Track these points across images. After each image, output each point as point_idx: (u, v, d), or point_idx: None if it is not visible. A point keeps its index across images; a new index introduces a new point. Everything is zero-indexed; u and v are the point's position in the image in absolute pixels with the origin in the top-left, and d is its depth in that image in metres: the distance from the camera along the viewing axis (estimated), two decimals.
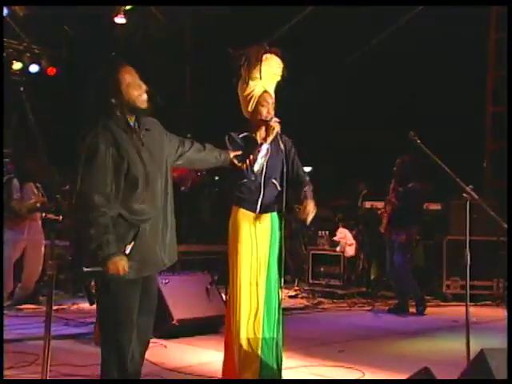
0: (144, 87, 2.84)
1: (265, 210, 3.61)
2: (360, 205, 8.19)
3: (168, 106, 10.23)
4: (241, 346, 3.46)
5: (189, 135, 8.63)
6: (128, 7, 8.17)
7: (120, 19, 8.30)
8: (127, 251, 2.67)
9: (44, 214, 2.23)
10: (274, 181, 3.63)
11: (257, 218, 3.59)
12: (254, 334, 3.47)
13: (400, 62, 9.22)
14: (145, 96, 2.83)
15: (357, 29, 8.92)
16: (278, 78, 3.72)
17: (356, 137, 10.17)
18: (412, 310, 6.51)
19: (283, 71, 3.70)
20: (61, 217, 2.23)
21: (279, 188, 3.65)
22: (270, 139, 3.57)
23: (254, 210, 3.59)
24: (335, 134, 10.44)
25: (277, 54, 3.69)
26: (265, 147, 3.55)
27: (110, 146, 2.65)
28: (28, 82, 2.65)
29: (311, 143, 10.79)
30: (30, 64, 8.75)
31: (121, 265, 2.63)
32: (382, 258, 6.98)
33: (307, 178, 3.79)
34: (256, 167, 3.51)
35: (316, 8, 8.47)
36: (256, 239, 3.57)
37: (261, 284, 3.53)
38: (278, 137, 3.62)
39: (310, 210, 3.58)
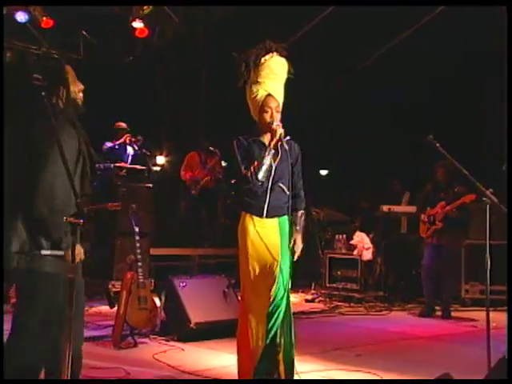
0: (82, 87, 2.97)
1: (272, 214, 3.59)
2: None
3: (183, 108, 10.29)
4: (255, 348, 3.45)
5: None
6: (146, 11, 8.22)
7: (138, 23, 8.36)
8: None
9: (65, 218, 2.25)
10: (281, 185, 3.61)
11: (264, 223, 3.58)
12: (265, 337, 3.44)
13: (418, 64, 9.16)
14: (81, 95, 2.95)
15: (373, 30, 8.87)
16: (284, 77, 3.68)
17: (373, 139, 10.15)
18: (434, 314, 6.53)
19: (289, 67, 3.67)
20: (82, 221, 2.24)
21: (287, 192, 3.63)
22: (273, 143, 3.55)
23: (260, 215, 3.57)
24: (352, 136, 10.41)
25: (279, 53, 3.66)
26: (269, 152, 3.54)
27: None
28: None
29: (328, 146, 10.81)
30: None
31: (79, 252, 2.67)
32: (401, 262, 6.96)
33: (302, 196, 3.76)
34: (260, 175, 3.50)
35: (332, 11, 8.45)
36: (264, 244, 3.55)
37: (270, 288, 3.48)
38: (286, 142, 3.58)
39: (298, 245, 3.64)
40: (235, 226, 3.69)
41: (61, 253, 2.63)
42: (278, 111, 3.61)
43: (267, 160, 3.52)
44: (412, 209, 7.47)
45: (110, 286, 6.07)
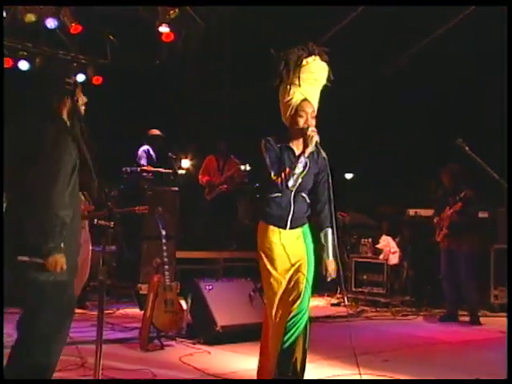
0: (85, 100, 2.96)
1: (295, 225, 3.49)
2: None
3: (207, 111, 10.30)
4: (273, 353, 3.39)
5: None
6: (172, 16, 8.28)
7: (164, 28, 8.42)
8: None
9: (96, 221, 2.27)
10: (303, 194, 3.51)
11: (288, 235, 3.46)
12: (282, 343, 3.37)
13: (446, 67, 9.05)
14: (83, 108, 2.94)
15: (403, 32, 8.79)
16: (322, 83, 3.52)
17: (399, 143, 10.05)
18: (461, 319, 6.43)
19: (329, 74, 3.51)
20: (112, 223, 2.26)
21: (308, 201, 3.55)
22: (308, 150, 3.40)
23: (283, 227, 3.45)
24: (379, 138, 10.33)
25: (321, 57, 3.50)
26: (302, 160, 3.39)
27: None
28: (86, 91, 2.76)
29: (354, 149, 10.74)
30: (77, 74, 8.97)
31: (59, 262, 2.65)
32: (427, 266, 6.89)
33: (327, 210, 3.58)
34: (291, 183, 3.37)
35: (361, 12, 8.39)
36: (288, 257, 3.44)
37: (294, 301, 3.40)
38: (318, 148, 3.45)
39: (332, 271, 3.54)
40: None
41: (39, 260, 2.61)
42: (313, 117, 3.46)
43: (299, 168, 3.37)
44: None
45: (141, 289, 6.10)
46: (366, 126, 10.56)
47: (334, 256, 3.58)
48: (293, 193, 3.45)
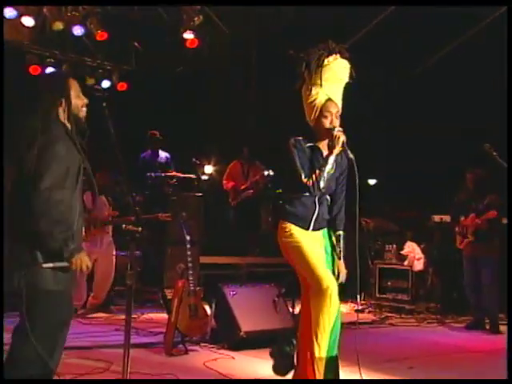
0: (85, 101, 2.88)
1: (318, 227, 3.47)
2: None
3: (230, 117, 10.33)
4: (319, 361, 3.36)
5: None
6: (196, 22, 8.34)
7: (188, 35, 8.49)
8: None
9: (124, 226, 2.26)
10: (327, 196, 3.50)
11: (309, 236, 3.43)
12: (326, 349, 3.38)
13: (476, 69, 8.93)
14: (85, 109, 2.87)
15: (431, 34, 8.70)
16: (345, 81, 3.49)
17: (422, 147, 9.96)
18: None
19: (351, 71, 3.48)
20: (140, 228, 2.28)
21: (329, 203, 3.53)
22: (336, 151, 3.35)
23: (306, 228, 3.42)
24: (402, 144, 10.25)
25: (342, 55, 3.46)
26: (331, 160, 3.36)
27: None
28: (109, 97, 2.71)
29: (377, 154, 10.67)
30: (102, 80, 9.09)
31: (84, 260, 2.63)
32: (453, 273, 6.81)
33: (343, 214, 3.57)
34: (322, 184, 3.33)
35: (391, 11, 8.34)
36: (316, 253, 3.42)
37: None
38: (344, 149, 3.39)
39: (343, 273, 3.53)
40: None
41: (64, 264, 2.60)
42: (337, 117, 3.42)
43: (328, 168, 3.33)
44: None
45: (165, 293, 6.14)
46: (390, 131, 10.49)
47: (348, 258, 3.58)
48: (318, 194, 3.42)
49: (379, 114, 10.30)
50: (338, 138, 3.33)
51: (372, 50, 8.60)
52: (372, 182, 12.25)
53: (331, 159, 3.36)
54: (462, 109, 9.40)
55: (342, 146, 3.37)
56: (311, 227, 3.43)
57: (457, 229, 6.54)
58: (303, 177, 3.36)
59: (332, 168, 3.38)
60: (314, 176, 3.33)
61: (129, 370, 2.22)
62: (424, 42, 8.86)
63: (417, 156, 10.03)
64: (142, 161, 8.22)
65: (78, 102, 2.84)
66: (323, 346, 3.34)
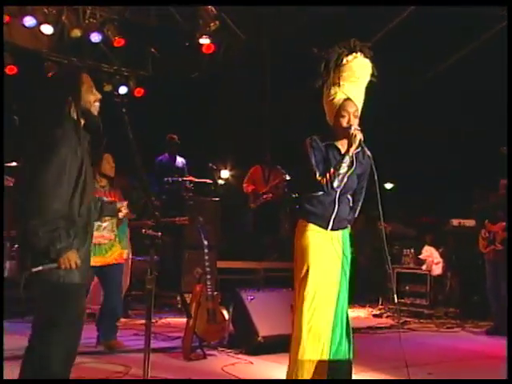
0: (99, 96, 2.83)
1: (337, 227, 3.43)
2: None
3: (246, 122, 10.31)
4: (303, 364, 3.32)
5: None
6: (212, 28, 8.39)
7: (205, 40, 8.53)
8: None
9: (144, 231, 2.26)
10: (348, 196, 3.47)
11: (328, 235, 3.40)
12: (322, 352, 3.33)
13: (495, 72, 8.86)
14: (97, 104, 2.82)
15: (448, 36, 8.66)
16: (366, 81, 3.45)
17: (440, 151, 9.90)
18: None
19: (373, 70, 3.43)
20: (160, 233, 2.29)
21: (351, 204, 3.50)
22: (352, 150, 3.33)
23: (325, 227, 3.39)
24: (419, 148, 10.19)
25: (364, 53, 3.43)
26: (347, 159, 3.33)
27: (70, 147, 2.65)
28: (129, 103, 2.70)
29: (395, 159, 10.61)
30: (119, 86, 9.17)
31: (72, 258, 2.60)
32: (472, 277, 6.74)
33: (357, 212, 3.57)
34: (335, 183, 3.30)
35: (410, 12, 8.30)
36: (328, 258, 3.38)
37: (331, 303, 3.38)
38: (362, 148, 3.38)
39: None
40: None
41: (53, 265, 2.58)
42: (356, 116, 3.39)
43: (344, 168, 3.30)
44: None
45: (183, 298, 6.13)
46: (406, 135, 10.43)
47: None
48: (337, 193, 3.40)
49: (395, 118, 10.25)
50: (355, 136, 3.31)
51: (390, 50, 8.56)
52: (388, 186, 12.19)
53: (347, 158, 3.33)
54: (479, 113, 9.32)
55: (359, 144, 3.34)
56: (330, 226, 3.40)
57: (482, 233, 6.45)
58: (317, 175, 3.35)
59: (349, 166, 3.35)
60: (327, 174, 3.31)
61: (149, 375, 2.22)
62: (434, 48, 8.82)
63: (434, 160, 9.97)
64: (158, 164, 8.25)
65: (91, 97, 2.80)
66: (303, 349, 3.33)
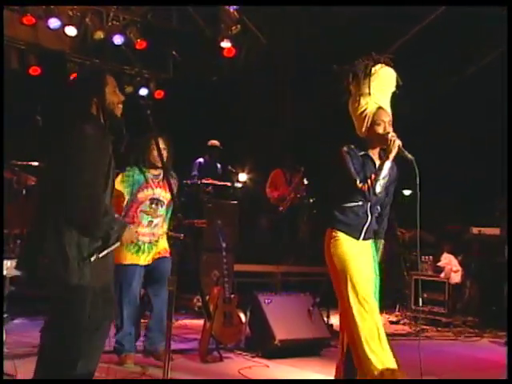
0: (122, 98, 2.82)
1: (367, 237, 3.45)
2: None
3: (265, 125, 10.29)
4: (370, 368, 3.35)
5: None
6: (234, 31, 8.42)
7: (226, 43, 8.56)
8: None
9: (167, 232, 2.27)
10: (378, 207, 3.47)
11: (359, 244, 3.41)
12: (381, 353, 3.39)
13: None
14: (121, 106, 2.82)
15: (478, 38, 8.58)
16: (392, 90, 3.48)
17: (460, 157, 9.79)
18: None
19: (397, 80, 3.46)
20: (182, 235, 2.30)
21: (378, 215, 3.52)
22: (392, 155, 3.31)
23: (357, 237, 3.40)
24: (438, 154, 10.09)
25: (387, 64, 3.46)
26: (387, 165, 3.30)
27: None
28: (153, 106, 2.72)
29: (411, 164, 10.51)
30: (140, 88, 9.24)
31: (130, 233, 2.65)
32: (492, 286, 6.66)
33: (386, 223, 3.57)
34: (378, 189, 3.28)
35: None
36: (365, 266, 3.40)
37: (376, 309, 3.44)
38: (401, 153, 3.34)
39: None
40: (322, 243, 3.53)
41: (117, 244, 2.63)
42: (390, 125, 3.40)
43: (385, 173, 3.28)
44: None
45: (200, 300, 6.14)
46: (425, 141, 10.34)
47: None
48: (369, 204, 3.39)
49: (415, 124, 10.17)
50: (393, 141, 3.30)
51: (412, 54, 8.52)
52: (407, 192, 12.10)
53: (387, 164, 3.31)
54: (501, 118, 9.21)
55: (399, 149, 3.33)
56: (362, 236, 3.41)
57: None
58: (358, 182, 3.33)
59: (387, 174, 3.34)
60: (369, 181, 3.30)
61: (169, 376, 2.23)
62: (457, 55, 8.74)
63: (453, 166, 9.87)
64: (197, 165, 8.24)
65: (114, 98, 2.80)
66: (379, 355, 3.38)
